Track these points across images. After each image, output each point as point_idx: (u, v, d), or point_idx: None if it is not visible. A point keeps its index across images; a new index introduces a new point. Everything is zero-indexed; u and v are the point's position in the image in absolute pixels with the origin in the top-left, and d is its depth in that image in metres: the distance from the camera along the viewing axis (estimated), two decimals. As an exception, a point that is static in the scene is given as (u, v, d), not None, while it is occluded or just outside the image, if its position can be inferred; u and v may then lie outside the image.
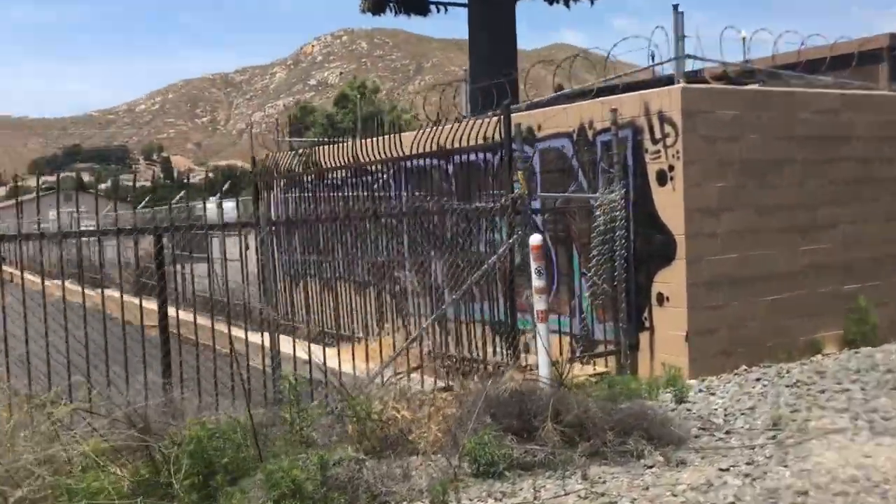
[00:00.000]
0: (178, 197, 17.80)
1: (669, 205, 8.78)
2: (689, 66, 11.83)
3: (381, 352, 8.60)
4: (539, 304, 7.34)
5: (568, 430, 6.43)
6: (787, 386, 8.15)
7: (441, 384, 8.31)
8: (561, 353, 9.44)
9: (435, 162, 12.19)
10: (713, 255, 8.83)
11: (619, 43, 9.38)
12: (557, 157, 10.06)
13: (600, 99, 9.56)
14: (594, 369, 9.22)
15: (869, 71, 12.92)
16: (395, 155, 10.41)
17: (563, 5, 17.40)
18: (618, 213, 9.05)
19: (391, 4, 17.60)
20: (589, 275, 9.22)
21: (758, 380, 8.43)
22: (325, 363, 7.97)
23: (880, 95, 10.29)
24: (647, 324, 9.13)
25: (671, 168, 8.73)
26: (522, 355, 8.99)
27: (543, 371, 7.32)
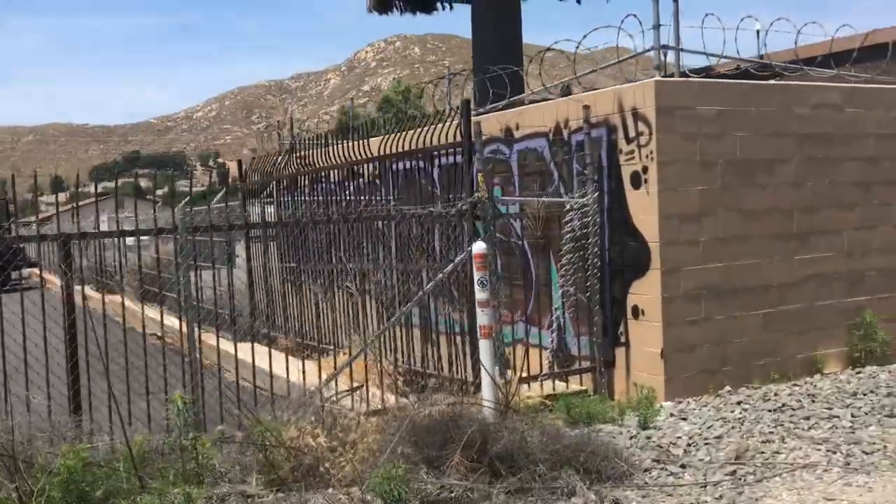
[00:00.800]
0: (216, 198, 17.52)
1: (643, 210, 8.02)
2: (687, 60, 11.03)
3: (336, 365, 8.01)
4: (483, 318, 6.66)
5: (497, 462, 5.77)
6: (770, 411, 7.33)
7: (400, 403, 7.70)
8: (542, 369, 8.78)
9: (420, 164, 11.61)
10: (693, 264, 8.04)
11: (591, 33, 8.63)
12: (534, 159, 9.36)
13: (575, 96, 8.84)
14: (567, 387, 8.50)
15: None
16: (363, 157, 9.81)
17: (574, 2, 16.64)
18: (590, 218, 8.32)
19: (397, 3, 17.06)
20: (560, 283, 8.50)
21: (739, 403, 7.62)
22: (271, 377, 7.44)
23: (890, 89, 9.36)
24: (622, 339, 8.37)
25: (645, 169, 7.98)
26: (506, 371, 8.34)
27: (487, 393, 6.63)
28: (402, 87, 66.91)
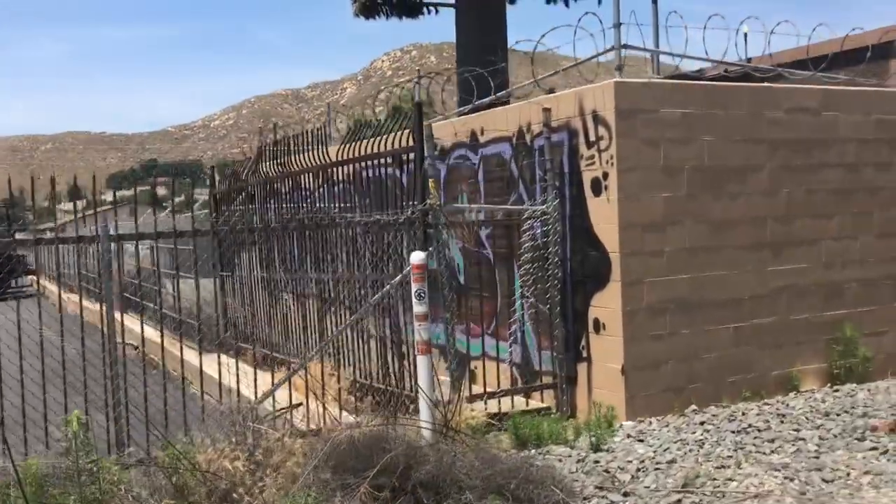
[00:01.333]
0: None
1: (604, 218, 7.61)
2: (684, 65, 10.65)
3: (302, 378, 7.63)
4: (420, 333, 6.26)
5: (421, 489, 5.37)
6: (734, 432, 6.90)
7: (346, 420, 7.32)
8: (511, 384, 8.40)
9: (390, 170, 11.25)
10: (658, 275, 7.62)
11: (550, 32, 8.25)
12: (498, 164, 8.97)
13: (536, 99, 8.45)
14: (527, 404, 8.09)
15: (883, 67, 11.51)
16: (325, 162, 9.44)
17: (563, 5, 16.28)
18: (550, 226, 7.92)
19: (383, 8, 16.75)
20: (516, 297, 8.11)
21: (702, 423, 7.19)
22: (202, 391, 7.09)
23: (870, 92, 8.92)
24: (584, 354, 7.96)
25: (605, 176, 7.57)
26: (470, 386, 7.97)
27: (424, 413, 6.23)
28: (409, 95, 66.76)
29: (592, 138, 7.69)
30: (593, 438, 6.69)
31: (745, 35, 12.92)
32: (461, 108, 9.94)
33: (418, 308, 6.26)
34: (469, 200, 9.50)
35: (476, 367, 9.06)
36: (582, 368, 7.96)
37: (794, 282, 8.32)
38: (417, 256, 6.29)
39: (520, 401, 8.16)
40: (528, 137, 8.48)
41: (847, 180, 8.62)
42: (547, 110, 7.98)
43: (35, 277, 26.93)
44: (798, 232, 8.35)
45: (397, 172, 11.01)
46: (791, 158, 8.29)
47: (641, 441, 6.81)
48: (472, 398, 7.85)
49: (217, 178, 12.68)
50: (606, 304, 7.63)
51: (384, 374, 8.12)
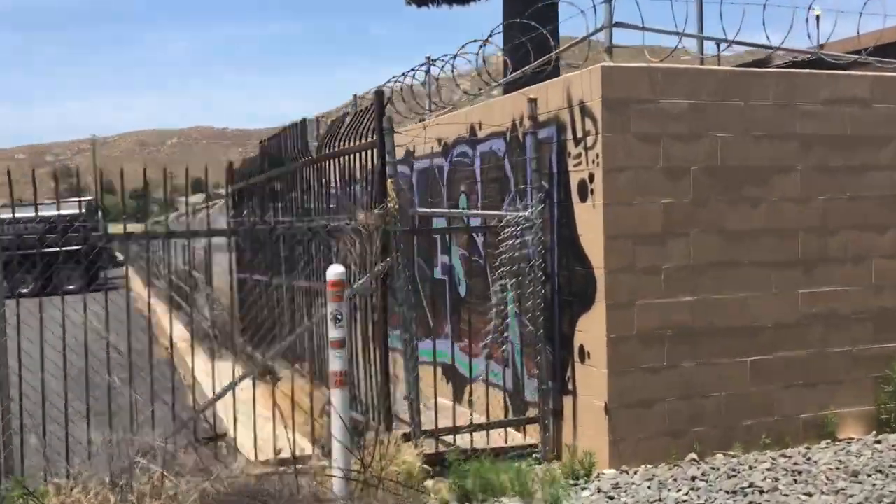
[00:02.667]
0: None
1: (589, 227, 6.46)
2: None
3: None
4: (335, 362, 5.30)
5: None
6: (729, 493, 5.65)
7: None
8: (506, 413, 7.42)
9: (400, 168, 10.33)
10: (653, 297, 6.41)
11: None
12: (494, 162, 7.91)
13: (529, 88, 7.34)
14: (506, 441, 7.03)
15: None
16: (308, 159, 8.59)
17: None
18: (532, 235, 6.82)
19: (433, -4, 15.80)
20: (508, 315, 7.04)
21: (694, 478, 5.95)
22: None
23: (940, 79, 7.38)
24: (570, 385, 6.82)
25: (591, 178, 6.42)
26: (467, 412, 7.03)
27: (337, 457, 5.27)
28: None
29: (580, 134, 6.54)
30: (551, 494, 5.58)
31: (818, 17, 11.36)
32: (460, 101, 8.85)
33: (334, 333, 5.30)
34: (468, 202, 8.49)
35: (474, 392, 8.08)
36: (568, 402, 6.83)
37: (833, 307, 6.92)
38: (335, 271, 5.33)
39: (509, 435, 7.12)
40: (520, 132, 7.40)
41: (905, 186, 7.15)
42: (532, 101, 6.87)
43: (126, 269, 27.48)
44: (838, 247, 6.94)
45: (410, 171, 10.10)
46: (830, 158, 6.90)
47: (611, 499, 5.65)
48: (440, 432, 6.86)
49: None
50: (591, 329, 6.48)
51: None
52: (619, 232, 6.31)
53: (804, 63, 8.90)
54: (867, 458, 6.26)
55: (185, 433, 5.95)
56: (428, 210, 7.56)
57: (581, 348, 6.61)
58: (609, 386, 6.30)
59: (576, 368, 6.70)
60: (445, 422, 6.97)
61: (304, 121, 8.27)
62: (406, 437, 6.55)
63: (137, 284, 26.72)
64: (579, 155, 6.55)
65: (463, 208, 8.46)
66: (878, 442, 6.65)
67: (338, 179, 7.55)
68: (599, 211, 6.30)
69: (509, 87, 8.89)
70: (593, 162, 6.36)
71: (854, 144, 6.99)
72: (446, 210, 7.63)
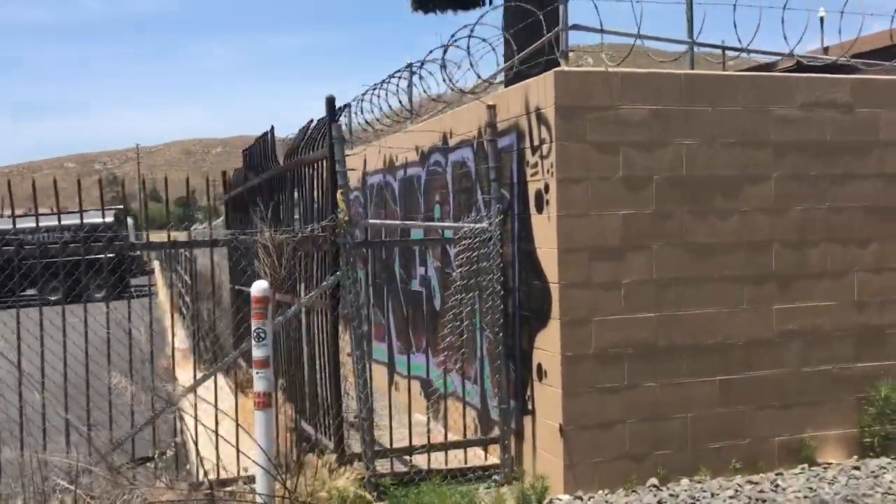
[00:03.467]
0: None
1: (545, 240, 6.17)
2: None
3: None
4: (258, 382, 5.07)
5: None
6: (682, 523, 5.31)
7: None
8: (476, 432, 7.16)
9: (383, 178, 10.14)
10: (612, 313, 6.09)
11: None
12: (463, 172, 7.65)
13: (493, 94, 7.08)
14: (465, 461, 6.76)
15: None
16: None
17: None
18: (490, 248, 6.56)
19: (438, 1, 15.59)
20: (450, 328, 6.78)
21: (649, 507, 5.62)
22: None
23: (928, 81, 6.95)
24: (529, 405, 6.53)
25: (547, 188, 6.13)
26: (440, 430, 6.78)
27: (260, 483, 5.04)
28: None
29: (536, 142, 6.26)
30: (491, 521, 5.30)
31: (822, 19, 10.95)
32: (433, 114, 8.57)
33: (257, 352, 5.07)
34: (441, 212, 8.24)
35: (450, 409, 7.82)
36: (528, 423, 6.54)
37: (812, 324, 6.53)
38: (259, 287, 5.11)
39: (478, 454, 6.86)
40: (486, 140, 7.12)
41: (890, 196, 6.73)
42: (491, 108, 6.62)
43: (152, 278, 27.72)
44: (818, 260, 6.56)
45: (393, 181, 9.89)
46: (807, 166, 6.52)
47: (555, 527, 5.35)
48: (394, 452, 6.62)
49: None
50: (547, 347, 6.19)
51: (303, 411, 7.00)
52: (574, 245, 6.00)
53: (809, 68, 8.53)
54: (840, 486, 5.87)
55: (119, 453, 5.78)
56: (377, 221, 7.30)
57: (539, 366, 6.32)
58: (564, 406, 6.00)
59: (535, 387, 6.41)
60: (420, 439, 6.76)
61: (271, 130, 8.09)
62: (358, 458, 6.33)
63: (163, 293, 26.95)
64: (536, 164, 6.27)
65: (437, 218, 8.22)
66: (857, 468, 6.24)
67: (297, 191, 7.35)
68: (554, 223, 6.01)
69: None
70: (548, 172, 6.07)
71: (834, 151, 6.60)
72: (398, 221, 7.38)
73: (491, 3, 15.16)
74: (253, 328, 5.09)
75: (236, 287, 10.18)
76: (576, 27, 6.28)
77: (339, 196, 6.30)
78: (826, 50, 10.66)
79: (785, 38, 6.70)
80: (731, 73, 6.48)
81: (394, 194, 9.62)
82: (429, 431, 6.71)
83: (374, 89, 9.33)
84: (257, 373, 5.04)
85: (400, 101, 8.88)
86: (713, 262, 6.31)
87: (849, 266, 6.63)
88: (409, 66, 9.23)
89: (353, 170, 6.69)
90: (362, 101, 9.85)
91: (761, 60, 10.38)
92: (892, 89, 6.73)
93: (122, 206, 29.95)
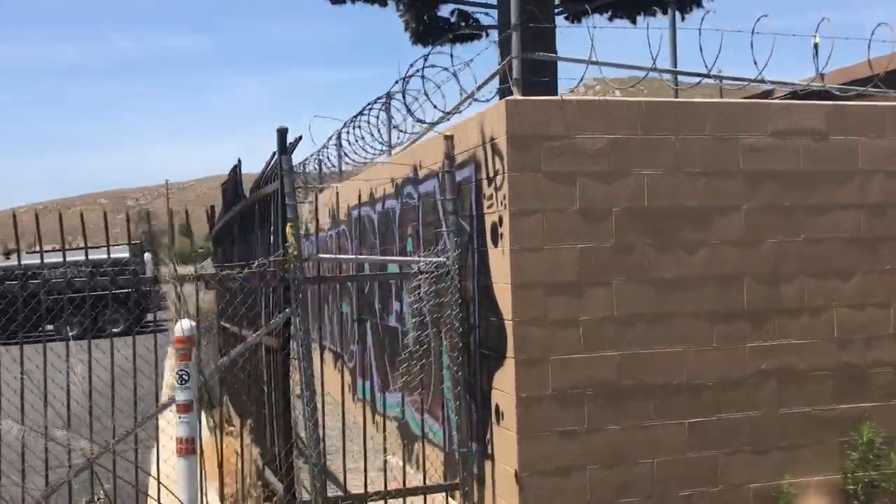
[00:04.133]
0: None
1: (500, 275, 5.90)
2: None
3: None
4: (181, 428, 4.83)
5: None
6: (636, 578, 4.95)
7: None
8: (448, 476, 6.83)
9: (367, 210, 9.94)
10: (570, 352, 5.78)
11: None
12: (431, 205, 7.42)
13: (454, 125, 6.86)
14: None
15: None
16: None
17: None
18: (448, 283, 6.30)
19: (438, 34, 15.50)
20: (411, 370, 6.50)
21: (604, 559, 5.26)
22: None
23: (908, 107, 6.61)
24: (489, 449, 6.21)
25: (501, 221, 5.87)
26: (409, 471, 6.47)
27: (183, 532, 4.78)
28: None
29: (491, 173, 6.02)
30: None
31: (816, 46, 10.64)
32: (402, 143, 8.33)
33: (180, 395, 4.84)
34: (414, 245, 8.00)
35: (424, 451, 7.54)
36: (489, 468, 6.22)
37: (788, 363, 6.17)
38: (182, 327, 4.89)
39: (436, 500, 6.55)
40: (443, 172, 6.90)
41: (872, 226, 6.38)
42: (448, 138, 6.40)
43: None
44: (793, 295, 6.21)
45: (372, 212, 9.69)
46: (781, 196, 6.20)
47: (500, 582, 5.02)
48: (346, 499, 6.33)
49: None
50: (504, 387, 5.89)
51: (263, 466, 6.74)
52: (528, 280, 5.72)
53: (804, 94, 8.25)
54: (815, 539, 5.47)
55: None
56: (328, 256, 7.07)
57: (497, 408, 6.02)
58: (520, 451, 5.68)
59: (493, 430, 6.10)
60: (396, 483, 6.50)
61: (238, 164, 7.94)
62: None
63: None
64: (491, 196, 6.02)
65: (410, 252, 7.98)
66: (837, 518, 5.84)
67: (258, 225, 7.16)
68: (507, 257, 5.74)
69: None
70: (501, 203, 5.82)
71: (810, 181, 6.28)
72: (352, 256, 7.15)
73: (488, 35, 15.11)
74: (176, 370, 4.85)
75: (221, 324, 10.03)
76: (526, 56, 6.05)
77: (288, 230, 6.09)
78: (822, 77, 10.34)
79: (755, 62, 6.39)
80: (696, 101, 6.20)
81: (374, 227, 9.43)
82: (385, 478, 6.42)
83: (354, 120, 9.17)
84: (180, 417, 4.80)
85: (380, 132, 8.70)
86: (680, 297, 5.99)
87: (827, 301, 6.27)
88: (388, 95, 9.06)
89: (307, 202, 6.47)
90: (347, 131, 9.70)
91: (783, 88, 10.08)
92: (869, 115, 6.40)
93: (137, 242, 30.08)
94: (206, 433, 7.03)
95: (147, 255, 32.46)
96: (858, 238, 6.34)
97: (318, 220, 12.50)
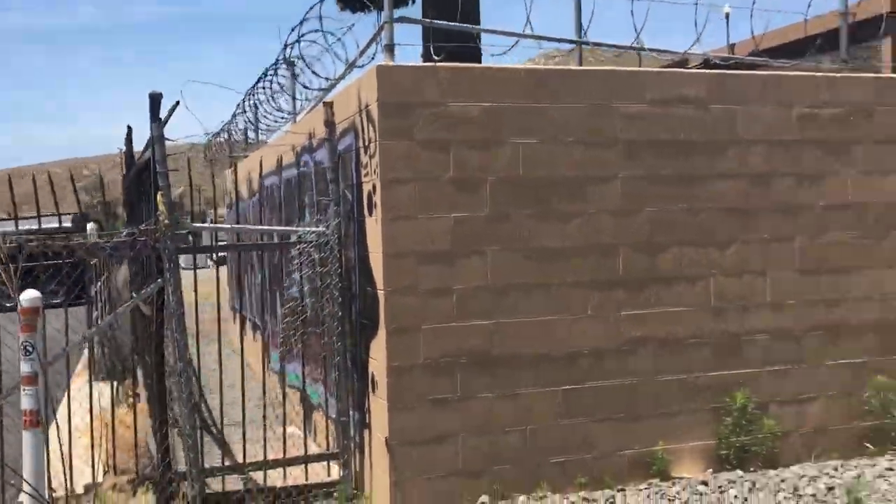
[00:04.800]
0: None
1: (374, 245, 5.86)
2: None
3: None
4: (25, 400, 4.74)
5: None
6: (494, 544, 5.00)
7: None
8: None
9: (272, 179, 9.83)
10: (443, 321, 5.78)
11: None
12: (322, 172, 7.33)
13: (339, 91, 6.77)
14: (306, 478, 6.44)
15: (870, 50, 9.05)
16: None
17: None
18: (328, 253, 6.25)
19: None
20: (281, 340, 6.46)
21: (466, 527, 5.31)
22: None
23: (790, 77, 6.64)
24: (367, 419, 6.21)
25: (374, 189, 5.82)
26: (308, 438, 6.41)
27: (31, 504, 4.71)
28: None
29: (366, 141, 5.95)
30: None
31: (727, 15, 10.67)
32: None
33: (24, 367, 4.75)
34: (309, 215, 7.92)
35: (319, 421, 7.52)
36: (367, 437, 6.22)
37: (665, 331, 6.23)
38: (28, 297, 4.78)
39: (318, 469, 6.53)
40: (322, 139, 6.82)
41: (752, 196, 6.43)
42: (328, 105, 6.32)
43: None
44: (671, 264, 6.25)
45: (279, 181, 9.57)
46: (658, 166, 6.22)
47: (359, 550, 5.04)
48: (223, 470, 6.29)
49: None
50: (377, 357, 5.88)
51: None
52: (401, 249, 5.69)
53: (716, 66, 8.29)
54: (680, 503, 5.56)
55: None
56: (201, 225, 6.96)
57: (372, 377, 6.01)
58: (391, 420, 5.68)
59: (370, 400, 6.10)
60: (295, 451, 6.51)
61: (128, 131, 7.77)
62: (183, 477, 6.01)
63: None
64: (366, 165, 5.96)
65: (306, 220, 7.90)
66: (705, 483, 5.93)
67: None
68: (380, 226, 5.69)
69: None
70: (374, 172, 5.76)
71: (689, 150, 6.30)
72: (227, 225, 7.06)
73: (414, 2, 14.93)
74: (21, 341, 4.76)
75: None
76: (402, 20, 5.97)
77: (159, 198, 5.98)
78: (732, 47, 10.39)
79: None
80: (573, 68, 6.18)
81: (280, 195, 9.32)
82: (284, 448, 6.41)
83: (254, 89, 9.01)
84: (24, 389, 4.71)
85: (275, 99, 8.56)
86: (556, 266, 6.00)
87: (705, 270, 6.32)
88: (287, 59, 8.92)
89: (173, 169, 6.36)
90: (252, 96, 9.54)
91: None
92: (750, 85, 6.43)
93: (78, 212, 29.56)
94: (106, 403, 6.94)
95: (91, 225, 31.90)
96: (738, 208, 6.39)
97: (237, 189, 12.35)
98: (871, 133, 6.72)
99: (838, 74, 6.81)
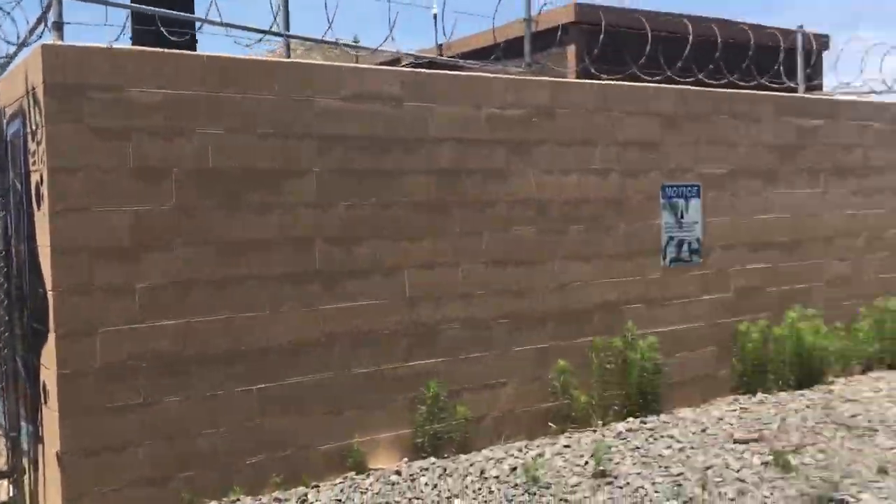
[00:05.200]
0: None
1: (43, 240, 5.35)
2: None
3: None
4: None
5: None
6: (175, 556, 4.73)
7: None
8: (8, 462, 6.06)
9: None
10: (122, 322, 5.39)
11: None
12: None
13: (10, 70, 6.13)
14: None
15: (558, 56, 9.79)
16: None
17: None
18: (-10, 251, 5.62)
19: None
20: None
21: (148, 539, 5.00)
22: None
23: (479, 78, 6.98)
24: (40, 431, 5.68)
25: (42, 179, 5.31)
26: None
27: None
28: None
29: (34, 126, 5.41)
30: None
31: (435, 16, 11.01)
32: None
33: None
34: None
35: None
36: (41, 451, 5.67)
37: (360, 324, 6.26)
38: None
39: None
40: (5, 123, 6.16)
41: (443, 192, 6.64)
42: None
43: None
44: (366, 258, 6.30)
45: None
46: (353, 161, 6.24)
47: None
48: None
49: None
50: (48, 364, 5.37)
51: None
52: (72, 245, 5.23)
53: (432, 65, 8.48)
54: (371, 496, 5.61)
55: None
56: None
57: (44, 386, 5.48)
58: (62, 430, 5.21)
59: (43, 411, 5.56)
60: None
61: None
62: None
63: None
64: (34, 152, 5.42)
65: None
66: (399, 472, 6.05)
67: None
68: (48, 219, 5.19)
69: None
70: (42, 160, 5.25)
71: (384, 146, 6.37)
72: None
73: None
74: None
75: None
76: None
77: None
78: (440, 47, 10.76)
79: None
80: (265, 59, 6.03)
81: None
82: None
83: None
84: None
85: None
86: (249, 261, 5.82)
87: (399, 263, 6.44)
88: None
89: None
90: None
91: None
92: (442, 83, 6.64)
93: None
94: None
95: None
96: (429, 202, 6.57)
97: None
98: (554, 134, 7.19)
99: (523, 77, 7.23)
